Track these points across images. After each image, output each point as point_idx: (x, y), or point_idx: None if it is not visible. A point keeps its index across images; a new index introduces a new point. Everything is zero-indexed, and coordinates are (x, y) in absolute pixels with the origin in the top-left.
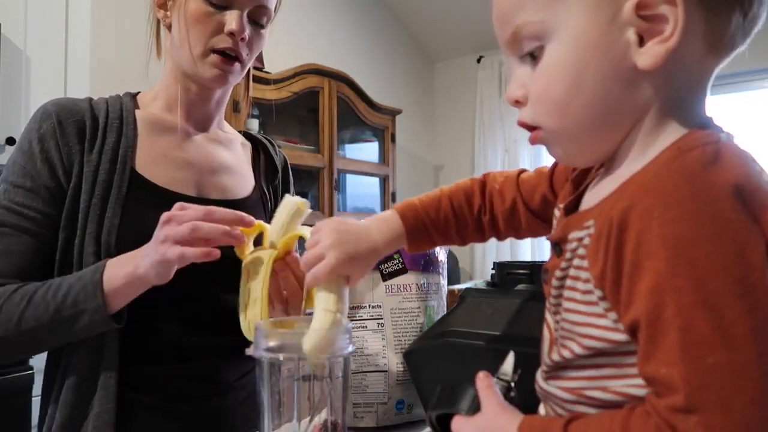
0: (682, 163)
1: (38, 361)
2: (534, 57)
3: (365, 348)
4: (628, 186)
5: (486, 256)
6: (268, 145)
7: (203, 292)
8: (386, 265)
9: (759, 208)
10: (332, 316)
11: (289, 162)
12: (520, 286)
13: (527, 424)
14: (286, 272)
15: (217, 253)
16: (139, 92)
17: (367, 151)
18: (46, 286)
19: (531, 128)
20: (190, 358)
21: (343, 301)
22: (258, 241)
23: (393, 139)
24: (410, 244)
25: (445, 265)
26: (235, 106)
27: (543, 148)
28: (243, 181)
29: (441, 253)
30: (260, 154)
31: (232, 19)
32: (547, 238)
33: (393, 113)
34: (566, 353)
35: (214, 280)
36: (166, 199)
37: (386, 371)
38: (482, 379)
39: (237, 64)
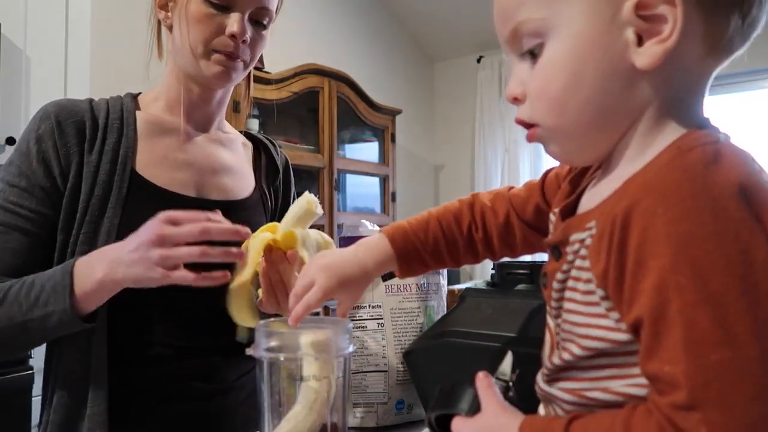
0: (683, 163)
1: (38, 361)
2: (534, 55)
3: (365, 348)
4: (630, 186)
5: None
6: (270, 145)
7: (203, 291)
8: None
9: (761, 207)
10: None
11: (290, 162)
12: (520, 286)
13: (528, 424)
14: (284, 264)
15: (211, 277)
16: (140, 93)
17: (367, 151)
18: (19, 284)
19: (528, 126)
20: (190, 358)
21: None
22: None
23: (393, 139)
24: (401, 267)
25: None
26: (235, 107)
27: (543, 149)
28: (243, 182)
29: None
30: (261, 154)
31: (233, 22)
32: (545, 242)
33: (393, 113)
34: (566, 356)
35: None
36: (167, 199)
37: (386, 371)
38: (481, 379)
39: (240, 62)
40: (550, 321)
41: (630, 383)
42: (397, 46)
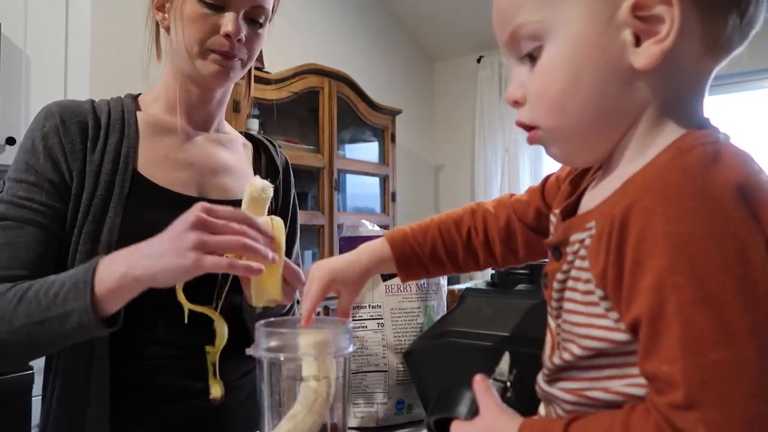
0: (682, 162)
1: (38, 361)
2: (533, 58)
3: (365, 348)
4: (629, 185)
5: None
6: (269, 145)
7: (203, 291)
8: None
9: (759, 207)
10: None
11: (290, 162)
12: (520, 286)
13: (527, 426)
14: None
15: (248, 268)
16: (140, 94)
17: (367, 151)
18: (40, 283)
19: (529, 128)
20: (190, 357)
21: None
22: None
23: (393, 139)
24: (399, 268)
25: None
26: (235, 107)
27: (543, 149)
28: (244, 182)
29: None
30: (261, 154)
31: (227, 21)
32: (546, 243)
33: (393, 113)
34: (566, 356)
35: (214, 280)
36: (168, 199)
37: (386, 371)
38: (479, 381)
39: (237, 61)
40: (551, 321)
41: (629, 383)
42: (397, 46)
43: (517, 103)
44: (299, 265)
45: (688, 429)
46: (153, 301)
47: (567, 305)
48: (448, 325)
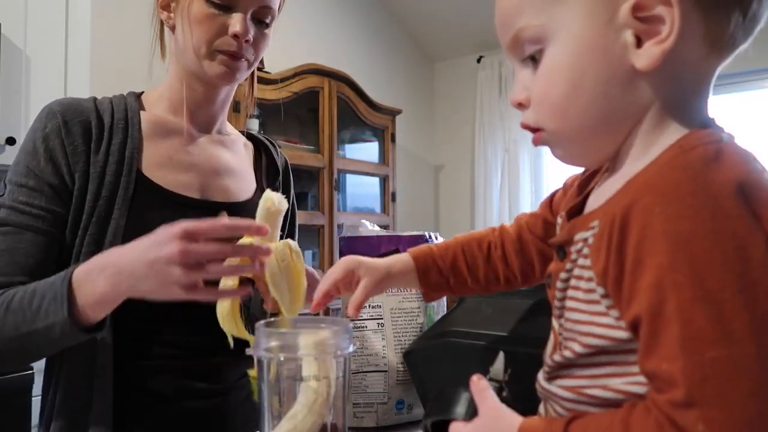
0: (683, 161)
1: (38, 361)
2: (535, 60)
3: (365, 348)
4: (632, 185)
5: None
6: (270, 146)
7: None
8: None
9: (760, 205)
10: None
11: (289, 162)
12: None
13: (527, 426)
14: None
15: (235, 293)
16: (143, 92)
17: (367, 151)
18: (22, 291)
19: (534, 130)
20: (190, 358)
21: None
22: None
23: (393, 139)
24: (422, 283)
25: None
26: (235, 106)
27: (543, 149)
28: (245, 183)
29: None
30: (262, 155)
31: (236, 22)
32: (551, 242)
33: (393, 113)
34: (567, 353)
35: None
36: (172, 201)
37: (386, 371)
38: (476, 382)
39: (243, 62)
40: (554, 322)
41: (629, 381)
42: (397, 46)
43: (521, 105)
44: None
45: (689, 427)
46: (153, 303)
47: (569, 303)
48: (448, 325)
